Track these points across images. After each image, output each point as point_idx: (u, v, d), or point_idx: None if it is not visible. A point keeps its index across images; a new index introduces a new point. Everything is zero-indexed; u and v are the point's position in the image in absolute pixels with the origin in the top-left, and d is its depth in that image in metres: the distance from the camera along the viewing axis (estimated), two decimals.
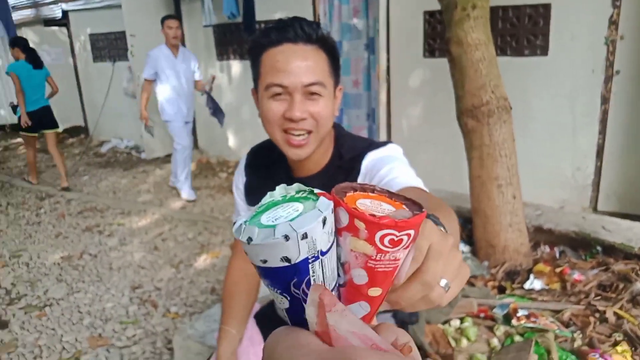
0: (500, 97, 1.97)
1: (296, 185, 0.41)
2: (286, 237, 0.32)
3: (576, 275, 2.06)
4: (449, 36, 2.02)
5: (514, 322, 1.73)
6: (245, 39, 5.31)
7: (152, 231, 3.90)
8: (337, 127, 1.12)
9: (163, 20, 4.51)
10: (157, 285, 3.00)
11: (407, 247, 0.35)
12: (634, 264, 2.11)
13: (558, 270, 2.13)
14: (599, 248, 2.25)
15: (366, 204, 0.37)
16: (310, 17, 4.87)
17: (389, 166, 0.95)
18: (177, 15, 5.94)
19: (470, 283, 2.07)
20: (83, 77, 7.61)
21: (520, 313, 1.74)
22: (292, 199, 0.39)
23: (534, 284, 2.07)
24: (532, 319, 1.71)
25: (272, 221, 0.34)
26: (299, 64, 0.94)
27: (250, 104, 5.71)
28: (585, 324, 1.78)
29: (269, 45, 0.96)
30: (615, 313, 1.79)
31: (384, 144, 1.07)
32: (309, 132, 0.97)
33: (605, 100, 3.67)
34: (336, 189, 0.39)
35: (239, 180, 1.23)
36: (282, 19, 0.98)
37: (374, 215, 0.34)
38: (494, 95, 1.96)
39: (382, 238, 0.34)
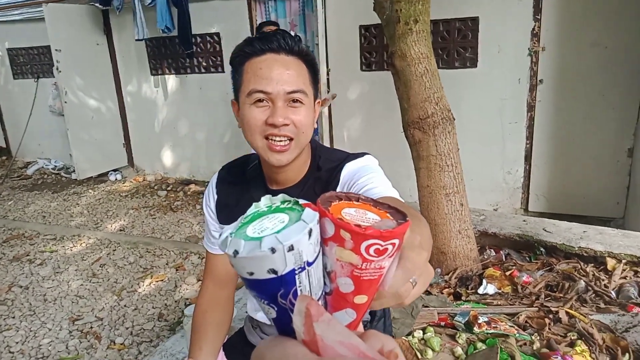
0: (444, 109, 2.05)
1: (281, 196, 0.42)
2: (272, 250, 0.32)
3: (525, 278, 2.17)
4: (393, 50, 2.07)
5: (476, 329, 1.78)
6: (181, 52, 5.17)
7: (88, 257, 3.67)
8: (313, 141, 1.14)
9: (262, 26, 3.79)
10: (99, 315, 2.82)
11: (392, 255, 0.36)
12: (575, 263, 2.26)
13: (508, 273, 2.23)
14: (542, 249, 2.39)
15: (351, 213, 0.38)
16: (246, 30, 4.85)
17: (366, 176, 0.97)
18: (107, 29, 5.70)
19: (427, 292, 2.12)
20: (2, 95, 7.06)
21: (481, 320, 1.80)
22: (278, 210, 0.39)
23: (488, 288, 2.15)
24: (493, 324, 1.77)
25: (258, 233, 0.35)
26: (281, 71, 0.96)
27: (188, 119, 5.59)
28: (541, 326, 1.86)
29: (253, 54, 0.98)
30: (567, 313, 1.90)
31: (361, 154, 1.08)
32: (290, 139, 0.98)
33: (531, 107, 3.93)
34: (321, 198, 0.40)
35: (210, 198, 1.20)
36: (265, 31, 0.99)
37: (359, 226, 0.34)
38: (438, 107, 2.03)
39: (367, 248, 0.34)
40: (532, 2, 3.69)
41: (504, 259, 2.43)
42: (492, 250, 2.51)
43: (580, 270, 2.21)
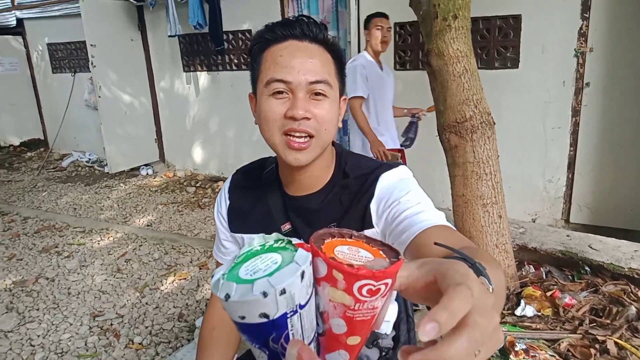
0: (483, 112, 1.90)
1: (275, 235, 0.42)
2: (264, 294, 0.32)
3: (567, 299, 1.99)
4: (429, 48, 1.94)
5: (512, 357, 1.62)
6: (213, 49, 5.15)
7: (114, 251, 3.67)
8: (337, 145, 1.03)
9: (370, 18, 3.32)
10: (120, 312, 2.79)
11: (385, 295, 0.35)
12: (624, 285, 2.06)
13: (548, 294, 2.05)
14: (587, 268, 2.20)
15: (344, 252, 0.38)
16: None
17: (407, 195, 0.86)
18: (141, 25, 5.74)
19: None
20: (42, 88, 7.25)
21: (518, 347, 1.65)
22: (271, 249, 0.39)
23: (526, 310, 1.98)
24: (532, 353, 1.61)
25: (250, 275, 0.34)
26: (304, 60, 0.86)
27: (219, 116, 5.57)
28: (586, 356, 1.69)
29: (273, 41, 0.88)
30: (616, 343, 1.72)
31: (395, 164, 0.97)
32: (310, 137, 0.87)
33: (576, 112, 3.70)
34: (314, 235, 0.39)
35: (222, 204, 1.10)
36: (288, 17, 0.90)
37: (351, 266, 0.34)
38: (477, 110, 1.88)
39: (360, 288, 0.34)
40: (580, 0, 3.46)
41: (544, 277, 2.25)
42: (531, 266, 2.33)
43: (631, 294, 2.01)
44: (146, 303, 2.89)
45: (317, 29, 0.88)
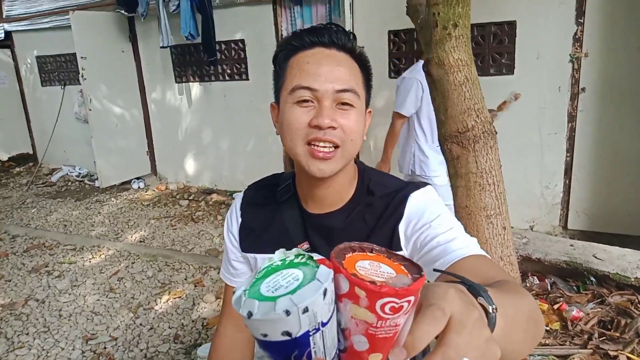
0: (485, 122, 1.85)
1: (295, 250, 0.42)
2: (287, 312, 0.32)
3: (575, 312, 1.94)
4: (429, 57, 1.89)
5: None
6: (205, 59, 5.09)
7: (106, 269, 3.57)
8: (359, 162, 0.99)
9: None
10: (113, 335, 2.69)
11: (408, 312, 0.35)
12: (630, 295, 2.01)
13: (555, 306, 2.00)
14: (592, 279, 2.15)
15: (365, 267, 0.37)
16: (271, 37, 4.72)
17: (439, 219, 0.83)
18: (132, 36, 5.67)
19: None
20: (30, 102, 7.14)
21: None
22: (292, 265, 0.39)
23: None
24: None
25: (272, 292, 0.34)
26: (332, 67, 0.83)
27: (211, 127, 5.50)
28: None
29: (300, 48, 0.86)
30: (628, 359, 1.66)
31: (422, 184, 0.92)
32: (336, 147, 0.83)
33: (572, 117, 3.68)
34: (335, 250, 0.39)
35: (232, 222, 1.04)
36: (315, 25, 0.87)
37: (374, 283, 0.34)
38: (479, 120, 1.83)
39: (382, 306, 0.33)
40: (575, 4, 3.45)
41: (549, 288, 2.20)
42: (535, 277, 2.28)
43: (638, 305, 1.97)
44: (140, 324, 2.80)
45: (346, 37, 0.85)
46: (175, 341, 2.61)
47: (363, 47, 0.90)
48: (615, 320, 1.90)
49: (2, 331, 2.77)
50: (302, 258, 0.41)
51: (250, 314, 0.33)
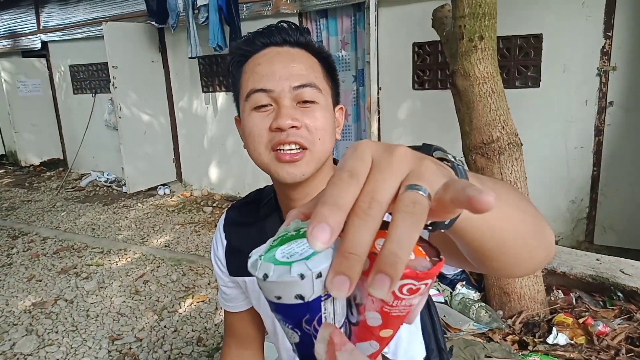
0: (510, 133, 1.86)
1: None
2: (302, 276, 0.33)
3: (601, 327, 1.91)
4: (454, 69, 1.91)
5: None
6: None
7: (132, 272, 3.66)
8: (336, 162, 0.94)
9: None
10: (139, 336, 2.76)
11: (423, 293, 0.35)
12: None
13: (580, 321, 1.98)
14: (619, 294, 2.12)
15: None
16: None
17: None
18: (162, 47, 5.84)
19: (487, 338, 1.91)
20: (63, 109, 7.39)
21: None
22: (306, 235, 0.38)
23: (558, 338, 1.90)
24: None
25: (287, 258, 0.35)
26: (285, 64, 0.77)
27: (235, 135, 5.61)
28: None
29: (253, 52, 0.81)
30: None
31: None
32: (303, 148, 0.77)
33: (599, 131, 3.63)
34: None
35: (218, 247, 0.99)
36: (264, 27, 0.83)
37: None
38: (504, 131, 1.84)
39: (401, 287, 0.34)
40: (603, 18, 3.43)
41: (574, 303, 2.17)
42: (559, 291, 2.25)
43: None
44: (165, 326, 2.86)
45: (299, 33, 0.80)
46: (199, 344, 2.65)
47: (321, 41, 0.87)
48: None
49: (34, 329, 2.87)
50: None
51: (265, 276, 0.34)
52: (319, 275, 0.33)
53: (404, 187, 0.30)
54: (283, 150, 0.76)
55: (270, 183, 1.04)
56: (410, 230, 0.28)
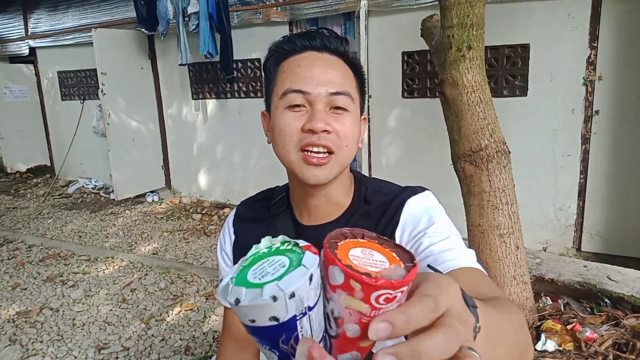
0: (499, 141, 1.88)
1: (281, 237, 0.44)
2: (274, 298, 0.32)
3: (589, 333, 1.92)
4: (443, 78, 1.93)
5: None
6: (222, 77, 5.20)
7: (120, 280, 3.62)
8: (355, 171, 0.96)
9: None
10: (126, 345, 2.72)
11: (400, 300, 0.35)
12: None
13: (569, 327, 1.99)
14: (606, 300, 2.14)
15: (358, 256, 0.37)
16: None
17: (434, 226, 0.79)
18: (152, 54, 5.82)
19: None
20: (50, 115, 7.32)
21: None
22: (278, 252, 0.40)
23: (547, 344, 1.92)
24: None
25: (259, 279, 0.35)
26: (324, 70, 0.80)
27: (226, 142, 5.59)
28: None
29: (291, 52, 0.83)
30: None
31: (420, 189, 0.89)
32: (331, 152, 0.80)
33: (585, 140, 3.68)
34: (328, 238, 0.39)
35: (225, 240, 1.00)
36: (306, 30, 0.86)
37: (369, 275, 0.34)
38: (492, 139, 1.86)
39: (377, 297, 0.34)
40: (588, 29, 3.49)
41: (562, 309, 2.19)
42: (548, 298, 2.27)
43: None
44: (152, 335, 2.82)
45: (339, 41, 0.83)
46: (187, 353, 2.62)
47: (355, 52, 0.91)
48: (631, 342, 1.89)
49: (18, 338, 2.82)
50: (288, 245, 0.41)
51: (237, 301, 0.33)
52: (292, 295, 0.33)
53: (465, 347, 0.34)
54: (311, 152, 0.79)
55: (270, 187, 1.06)
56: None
